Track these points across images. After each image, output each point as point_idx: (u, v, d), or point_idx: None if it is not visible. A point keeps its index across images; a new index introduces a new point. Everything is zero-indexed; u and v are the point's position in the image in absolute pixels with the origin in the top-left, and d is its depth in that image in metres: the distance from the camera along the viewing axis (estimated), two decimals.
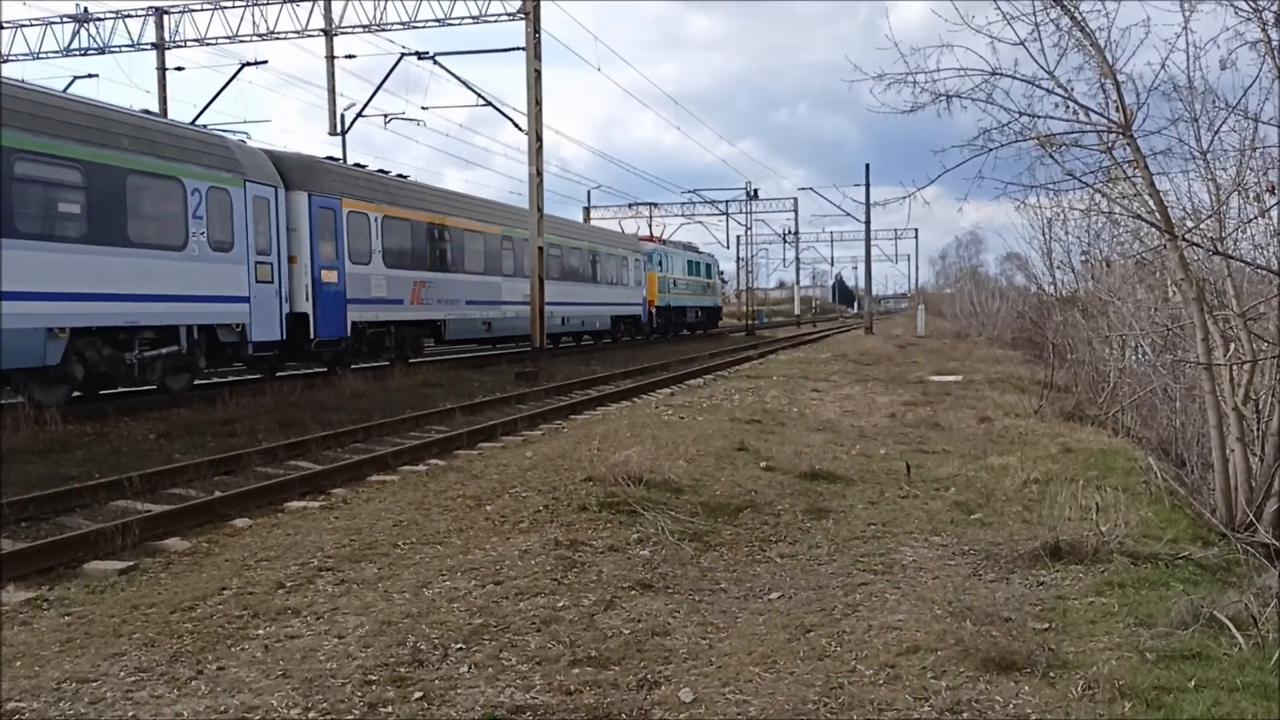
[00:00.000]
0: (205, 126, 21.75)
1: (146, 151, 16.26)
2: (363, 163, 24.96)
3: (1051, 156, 8.38)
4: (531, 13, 24.42)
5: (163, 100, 29.29)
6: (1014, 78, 8.32)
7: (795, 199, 78.91)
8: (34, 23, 28.87)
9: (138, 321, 16.01)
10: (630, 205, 64.19)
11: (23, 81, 15.85)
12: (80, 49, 28.83)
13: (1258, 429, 8.76)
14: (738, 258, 71.70)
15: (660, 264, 47.80)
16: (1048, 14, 8.19)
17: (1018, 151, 8.51)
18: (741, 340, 49.89)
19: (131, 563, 7.24)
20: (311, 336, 20.30)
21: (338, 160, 23.40)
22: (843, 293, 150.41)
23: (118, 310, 15.53)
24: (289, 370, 21.79)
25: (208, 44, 28.67)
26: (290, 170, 20.33)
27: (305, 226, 20.22)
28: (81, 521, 8.78)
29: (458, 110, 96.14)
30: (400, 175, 25.73)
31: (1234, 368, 8.34)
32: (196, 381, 18.36)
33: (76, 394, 16.02)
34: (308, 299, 20.14)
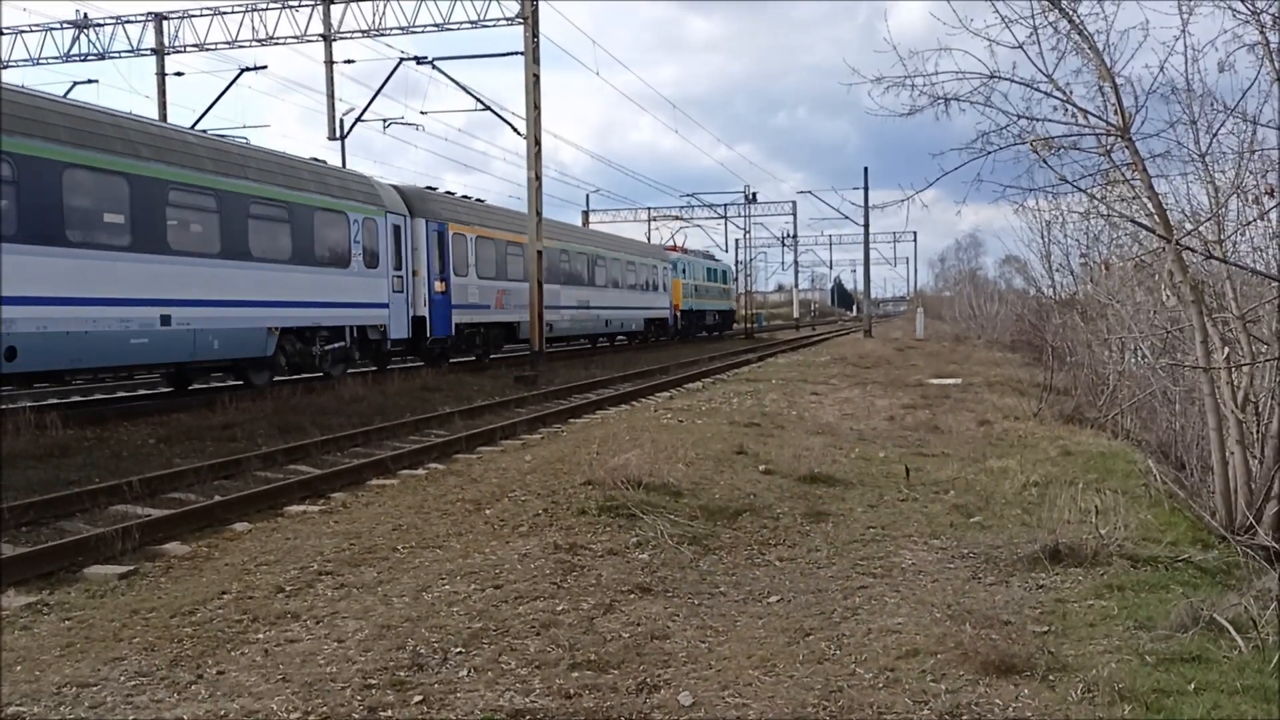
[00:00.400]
0: (361, 174, 25.28)
1: (324, 193, 21.06)
2: (434, 186, 27.83)
3: (1045, 162, 8.38)
4: (530, 17, 24.45)
5: (162, 105, 29.30)
6: (1012, 81, 8.33)
7: (794, 202, 78.80)
8: (34, 28, 28.90)
9: (320, 323, 20.68)
10: (630, 209, 64.59)
11: (246, 142, 20.63)
12: (80, 54, 28.85)
13: (1257, 431, 8.76)
14: (736, 261, 71.70)
15: (684, 272, 52.24)
16: (1046, 17, 8.20)
17: (1016, 154, 8.52)
18: (740, 343, 49.90)
19: (131, 567, 7.24)
20: (427, 335, 25.16)
21: (435, 190, 27.53)
22: (841, 296, 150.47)
23: (309, 315, 20.23)
24: (407, 363, 26.73)
25: (207, 49, 28.68)
26: (412, 200, 25.00)
27: (424, 246, 24.96)
28: (82, 526, 8.78)
29: (456, 115, 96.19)
30: (479, 200, 30.48)
31: (1233, 370, 8.34)
32: (350, 370, 22.39)
33: (277, 378, 20.14)
34: (425, 305, 24.87)
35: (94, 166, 15.10)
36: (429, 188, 27.27)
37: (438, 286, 25.51)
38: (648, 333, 46.11)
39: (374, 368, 23.85)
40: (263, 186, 18.95)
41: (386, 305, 23.09)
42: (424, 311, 24.63)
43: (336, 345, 21.32)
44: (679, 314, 50.53)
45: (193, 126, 20.55)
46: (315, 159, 22.44)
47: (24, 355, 13.70)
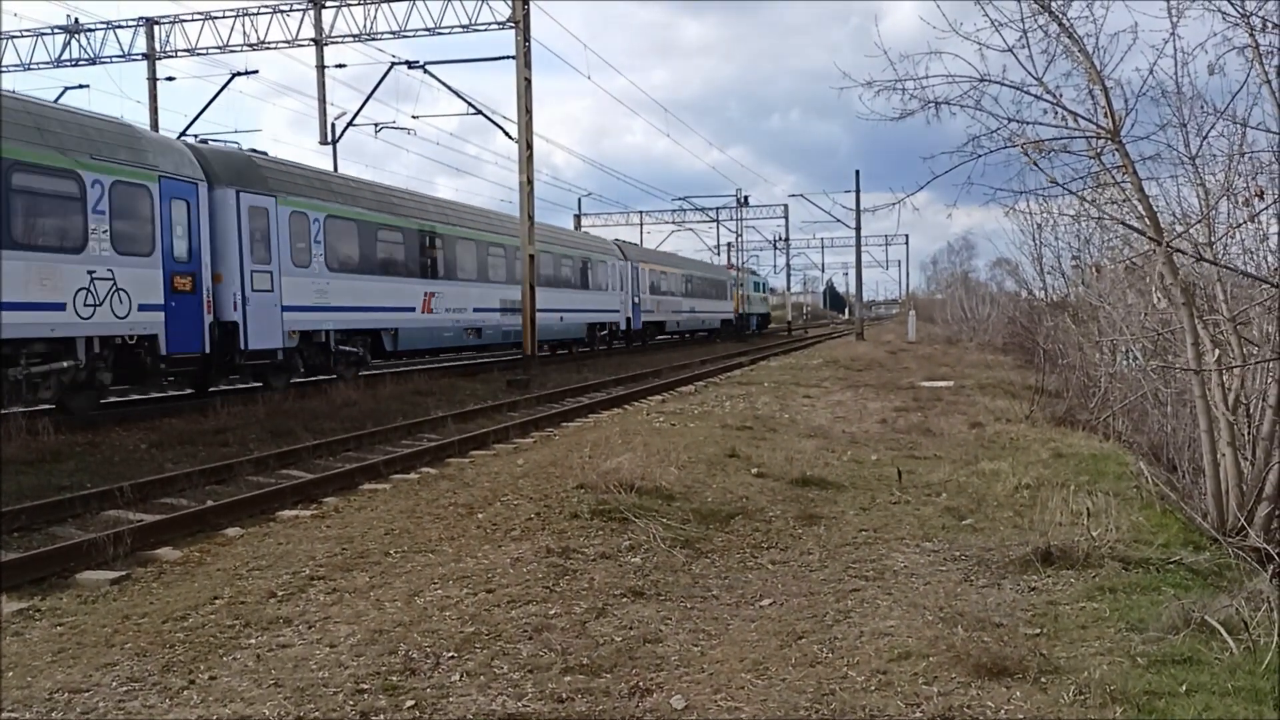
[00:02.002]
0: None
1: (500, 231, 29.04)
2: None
3: (1036, 165, 8.38)
4: (521, 21, 24.43)
5: (153, 111, 29.25)
6: (1002, 84, 8.33)
7: (786, 205, 78.69)
8: (25, 34, 28.81)
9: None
10: (622, 213, 66.44)
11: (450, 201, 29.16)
12: (71, 60, 28.76)
13: (1248, 433, 8.78)
14: (728, 264, 71.80)
15: (742, 285, 67.59)
16: (1036, 20, 8.20)
17: (1007, 157, 8.51)
18: (733, 346, 49.96)
19: (124, 572, 7.23)
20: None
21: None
22: (834, 299, 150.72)
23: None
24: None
25: (198, 54, 28.57)
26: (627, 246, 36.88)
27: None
28: (74, 531, 8.77)
29: (449, 119, 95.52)
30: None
31: (1224, 372, 8.36)
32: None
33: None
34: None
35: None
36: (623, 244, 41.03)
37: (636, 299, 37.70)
38: (719, 330, 61.13)
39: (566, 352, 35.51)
40: (451, 227, 27.42)
41: (619, 310, 30.92)
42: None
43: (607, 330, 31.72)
44: (737, 316, 65.79)
45: (184, 131, 20.14)
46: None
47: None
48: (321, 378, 21.79)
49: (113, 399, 18.58)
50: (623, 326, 41.73)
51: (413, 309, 24.01)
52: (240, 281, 18.39)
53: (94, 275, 15.28)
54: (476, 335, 28.32)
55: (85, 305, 15.10)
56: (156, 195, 16.53)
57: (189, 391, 19.55)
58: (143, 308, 16.16)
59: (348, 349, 22.25)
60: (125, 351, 16.18)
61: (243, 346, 18.32)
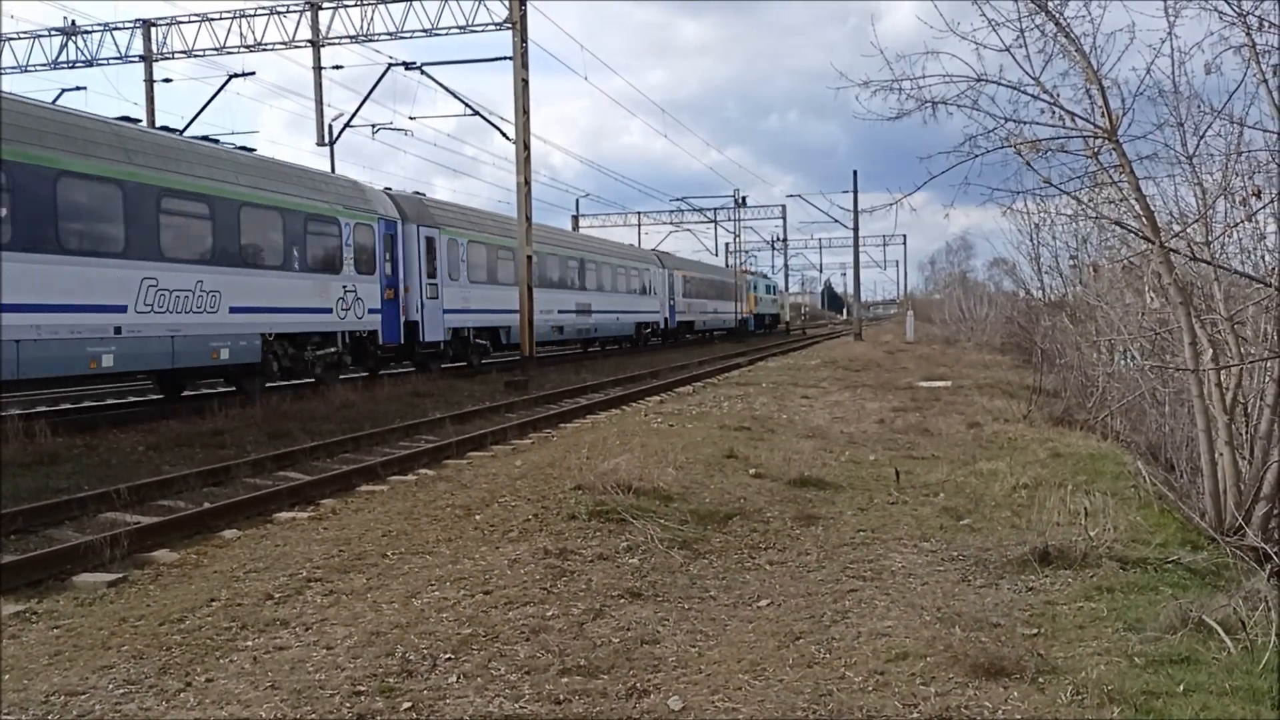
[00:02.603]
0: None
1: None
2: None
3: (1030, 165, 8.38)
4: (518, 22, 24.44)
5: (150, 112, 29.22)
6: (999, 84, 8.33)
7: (783, 206, 78.96)
8: (22, 36, 28.81)
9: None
10: (620, 214, 66.97)
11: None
12: (68, 61, 28.75)
13: (1246, 432, 8.78)
14: (726, 265, 71.88)
15: (755, 288, 74.05)
16: (1032, 19, 8.19)
17: (1004, 157, 8.51)
18: (731, 347, 49.97)
19: (120, 575, 7.22)
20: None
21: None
22: (832, 299, 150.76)
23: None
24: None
25: (195, 56, 28.59)
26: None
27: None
28: (70, 534, 8.75)
29: (446, 120, 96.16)
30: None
31: (1221, 372, 8.36)
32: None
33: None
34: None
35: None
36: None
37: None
38: (735, 329, 65.18)
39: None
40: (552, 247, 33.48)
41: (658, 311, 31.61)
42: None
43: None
44: (754, 316, 72.44)
45: (181, 132, 20.34)
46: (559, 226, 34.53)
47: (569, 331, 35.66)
48: (459, 364, 28.64)
49: (112, 401, 18.74)
50: (661, 325, 48.90)
51: (519, 311, 26.98)
52: (419, 291, 25.23)
53: (345, 289, 21.81)
54: (559, 332, 35.77)
55: (342, 310, 21.66)
56: (377, 232, 23.35)
57: (364, 375, 24.54)
58: (370, 311, 22.83)
59: (479, 341, 29.10)
60: (358, 342, 22.75)
61: (420, 339, 25.23)
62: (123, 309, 15.39)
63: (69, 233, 14.66)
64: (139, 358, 15.88)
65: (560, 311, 35.13)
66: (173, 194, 16.62)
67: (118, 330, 15.21)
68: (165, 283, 16.21)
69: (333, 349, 21.45)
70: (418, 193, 27.42)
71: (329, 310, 21.10)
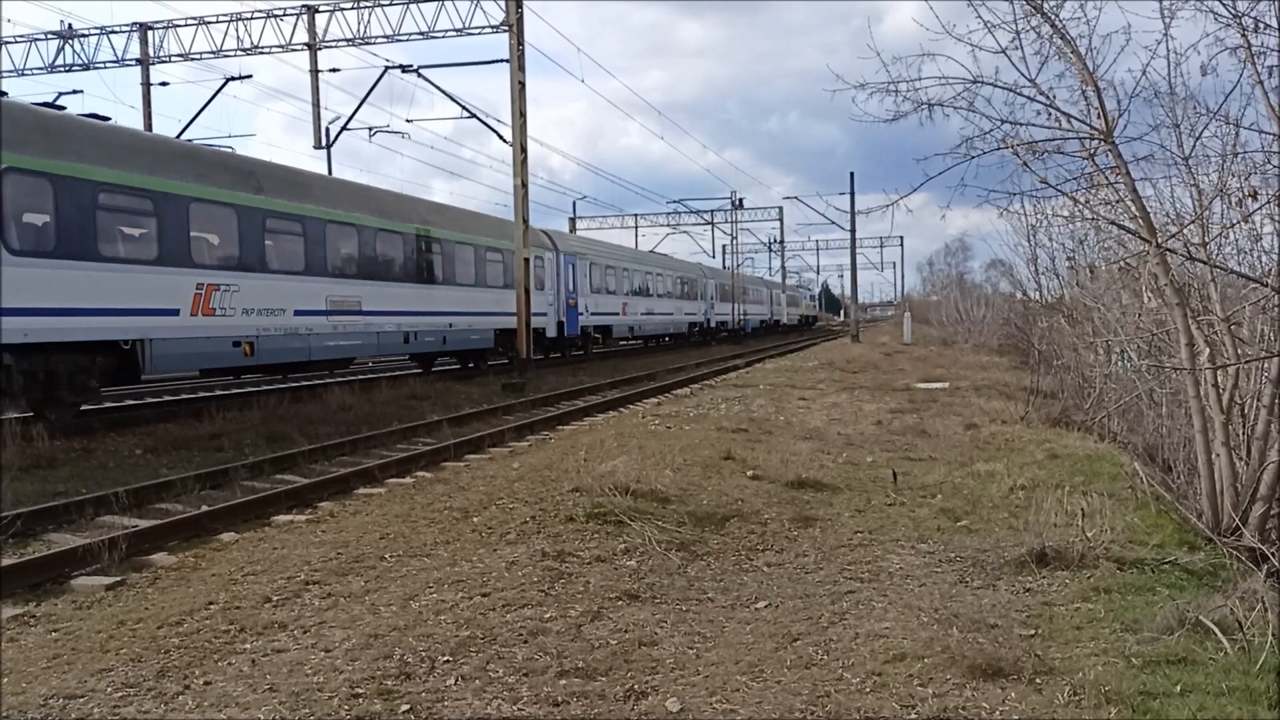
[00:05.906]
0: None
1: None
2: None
3: (1027, 165, 8.38)
4: (515, 25, 24.47)
5: (147, 115, 29.25)
6: (995, 85, 8.33)
7: (780, 208, 79.06)
8: (18, 39, 28.81)
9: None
10: (617, 216, 67.41)
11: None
12: (65, 65, 28.77)
13: (1243, 433, 8.78)
14: (723, 267, 71.92)
15: (807, 297, 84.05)
16: (1028, 21, 8.20)
17: (1001, 159, 8.50)
18: (729, 349, 49.97)
19: (118, 578, 7.22)
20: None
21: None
22: (829, 301, 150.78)
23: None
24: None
25: (192, 59, 28.62)
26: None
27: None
28: (69, 537, 8.75)
29: (443, 122, 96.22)
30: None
31: (1218, 372, 8.37)
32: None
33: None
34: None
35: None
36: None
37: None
38: (775, 328, 78.77)
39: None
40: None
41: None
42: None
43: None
44: (801, 316, 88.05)
45: (178, 136, 20.35)
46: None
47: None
48: (578, 353, 38.34)
49: (107, 404, 18.83)
50: (701, 324, 57.61)
51: (617, 313, 41.79)
52: (564, 300, 35.00)
53: (544, 300, 32.24)
54: (631, 331, 44.82)
55: (539, 314, 30.01)
56: (551, 261, 33.71)
57: (505, 360, 29.98)
58: (543, 314, 31.71)
59: (596, 336, 39.73)
60: (540, 335, 31.17)
61: (567, 334, 35.30)
62: (457, 314, 26.29)
63: (449, 272, 26.30)
64: (450, 341, 26.12)
65: (643, 314, 45.97)
66: (468, 245, 27.23)
67: (450, 325, 25.80)
68: (443, 300, 25.84)
69: None
70: (548, 230, 37.51)
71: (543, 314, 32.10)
